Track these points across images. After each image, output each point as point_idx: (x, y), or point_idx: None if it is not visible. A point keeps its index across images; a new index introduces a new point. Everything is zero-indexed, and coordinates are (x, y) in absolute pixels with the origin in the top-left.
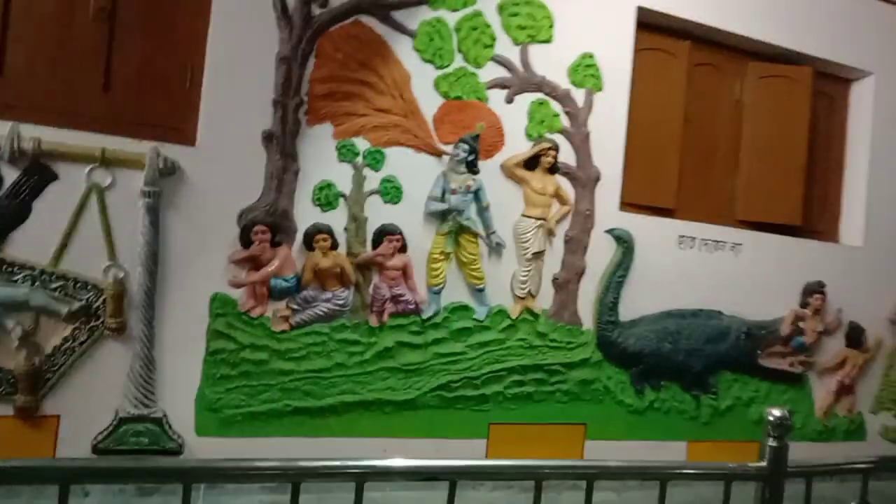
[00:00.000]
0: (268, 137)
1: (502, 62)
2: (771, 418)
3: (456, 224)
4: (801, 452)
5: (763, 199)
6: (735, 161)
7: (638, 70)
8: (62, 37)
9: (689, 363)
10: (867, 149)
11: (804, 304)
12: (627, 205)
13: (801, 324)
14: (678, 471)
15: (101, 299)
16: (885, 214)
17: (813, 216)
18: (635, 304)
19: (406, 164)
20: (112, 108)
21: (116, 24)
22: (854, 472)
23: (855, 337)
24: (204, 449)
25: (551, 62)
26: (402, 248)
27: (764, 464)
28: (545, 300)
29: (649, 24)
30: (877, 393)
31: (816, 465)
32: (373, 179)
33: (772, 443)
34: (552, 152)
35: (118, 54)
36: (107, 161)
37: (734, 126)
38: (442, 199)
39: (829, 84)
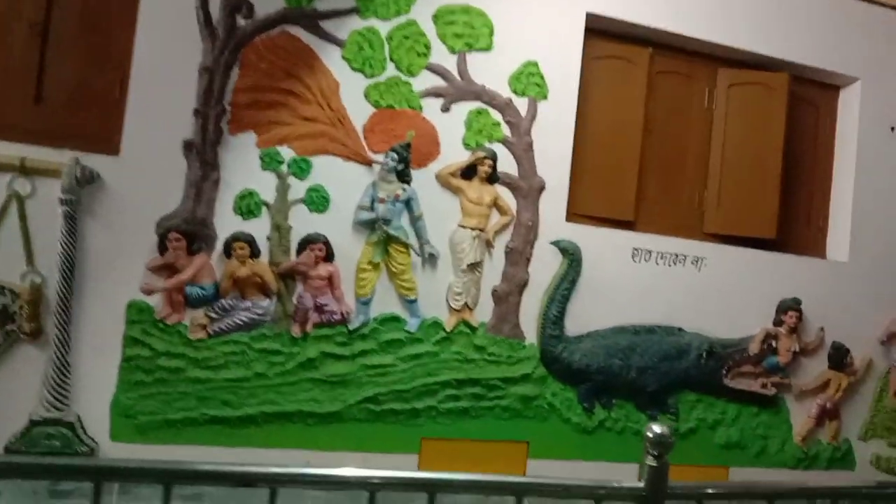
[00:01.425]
0: (188, 146)
1: (438, 71)
2: (650, 435)
3: (383, 234)
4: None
5: (734, 211)
6: (704, 172)
7: (593, 79)
8: None
9: (643, 381)
10: (853, 158)
11: (778, 322)
12: (580, 216)
13: (773, 343)
14: (536, 486)
15: (17, 304)
16: (871, 228)
17: (795, 230)
18: (585, 318)
19: (334, 173)
20: (43, 120)
21: (49, 39)
22: (751, 496)
23: (838, 357)
24: (118, 454)
25: (491, 70)
26: (329, 258)
27: (641, 484)
28: (484, 313)
29: (606, 32)
30: (867, 419)
31: (703, 487)
32: (298, 188)
33: (650, 462)
34: (488, 161)
35: (50, 68)
36: (27, 170)
37: (703, 136)
38: (371, 209)
39: (814, 91)
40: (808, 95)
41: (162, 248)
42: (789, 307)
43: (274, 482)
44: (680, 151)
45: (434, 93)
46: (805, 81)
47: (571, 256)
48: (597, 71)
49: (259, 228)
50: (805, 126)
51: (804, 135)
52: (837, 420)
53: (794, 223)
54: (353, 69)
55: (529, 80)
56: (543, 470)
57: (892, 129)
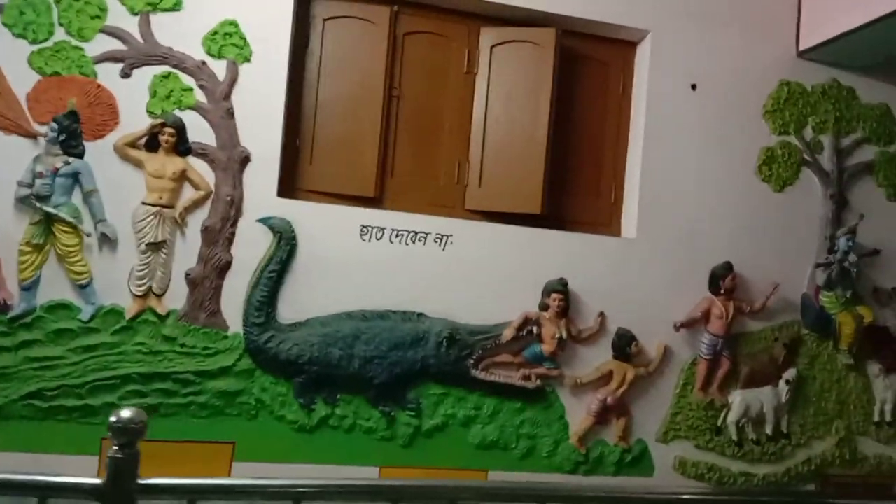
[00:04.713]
0: None
1: (115, 34)
2: (113, 419)
3: (42, 212)
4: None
5: (499, 185)
6: (466, 143)
7: (327, 40)
8: None
9: (369, 372)
10: (642, 123)
11: (543, 307)
12: (308, 192)
13: (535, 329)
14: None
15: None
16: (662, 200)
17: (580, 204)
18: (304, 303)
19: None
20: None
21: None
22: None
23: (622, 346)
24: None
25: (182, 32)
26: None
27: (98, 481)
28: (178, 300)
29: None
30: (666, 417)
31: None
32: None
33: (116, 453)
34: (168, 130)
35: None
36: None
37: (465, 103)
38: (31, 185)
39: (603, 48)
40: (596, 53)
41: None
42: (554, 289)
43: None
44: (437, 121)
45: (111, 57)
46: (590, 38)
47: (280, 235)
48: (330, 32)
49: None
50: (592, 88)
51: (591, 98)
52: (626, 417)
53: (580, 197)
54: (15, 35)
55: (227, 40)
56: (255, 473)
57: (693, 87)
